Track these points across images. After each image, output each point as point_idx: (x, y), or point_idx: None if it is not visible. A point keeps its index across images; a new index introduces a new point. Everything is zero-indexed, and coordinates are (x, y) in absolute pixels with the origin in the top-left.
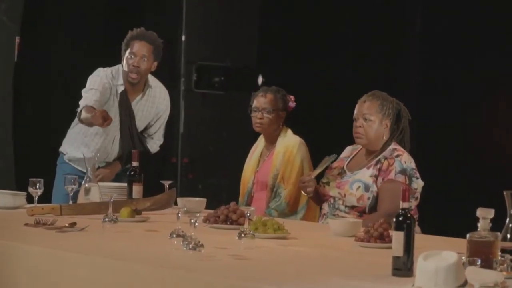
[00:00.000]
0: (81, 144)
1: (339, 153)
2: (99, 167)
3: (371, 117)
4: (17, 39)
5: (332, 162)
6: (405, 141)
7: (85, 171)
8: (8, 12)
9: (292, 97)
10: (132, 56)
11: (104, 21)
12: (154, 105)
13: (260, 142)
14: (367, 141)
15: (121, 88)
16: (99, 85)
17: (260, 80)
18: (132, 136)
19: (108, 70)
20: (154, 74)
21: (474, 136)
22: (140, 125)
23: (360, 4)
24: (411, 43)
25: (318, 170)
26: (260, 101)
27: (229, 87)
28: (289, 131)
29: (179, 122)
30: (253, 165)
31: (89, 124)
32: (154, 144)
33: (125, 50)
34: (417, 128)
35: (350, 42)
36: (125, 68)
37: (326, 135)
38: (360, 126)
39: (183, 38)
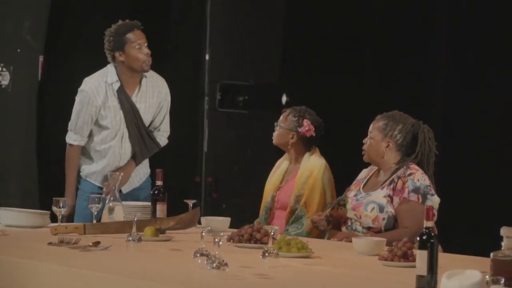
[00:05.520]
0: (93, 154)
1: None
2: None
3: (371, 135)
4: (41, 58)
5: (337, 203)
6: (425, 164)
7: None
8: (31, 31)
9: (306, 123)
10: (141, 46)
11: None
12: (155, 94)
13: (286, 158)
14: (368, 158)
15: (117, 85)
16: (81, 122)
17: (284, 99)
18: (141, 133)
19: (94, 77)
20: (178, 91)
21: (500, 153)
22: (146, 118)
23: (389, 20)
24: (439, 57)
25: (327, 210)
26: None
27: (253, 106)
28: (316, 153)
29: (203, 141)
30: (275, 181)
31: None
32: (162, 136)
33: (123, 45)
34: (441, 144)
35: (378, 59)
36: (137, 59)
37: (354, 154)
38: (364, 143)
39: (207, 57)
